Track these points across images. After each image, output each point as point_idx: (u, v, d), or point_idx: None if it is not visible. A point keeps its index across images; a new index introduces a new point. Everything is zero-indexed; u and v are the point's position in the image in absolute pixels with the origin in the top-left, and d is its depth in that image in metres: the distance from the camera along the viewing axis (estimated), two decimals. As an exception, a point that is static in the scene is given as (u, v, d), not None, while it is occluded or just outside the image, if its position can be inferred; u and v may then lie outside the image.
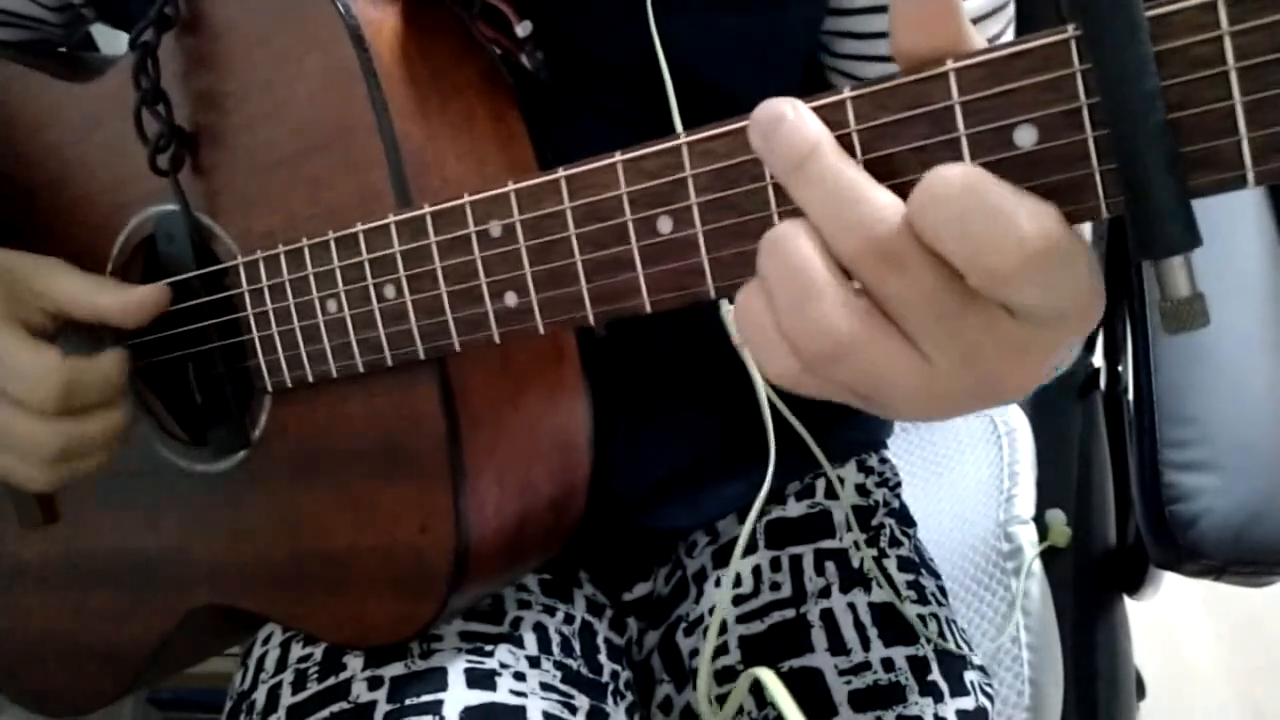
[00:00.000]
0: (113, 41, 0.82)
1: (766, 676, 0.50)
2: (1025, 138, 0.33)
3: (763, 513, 0.73)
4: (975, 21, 0.58)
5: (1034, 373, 0.37)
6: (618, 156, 0.40)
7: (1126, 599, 0.90)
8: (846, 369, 0.35)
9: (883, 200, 0.34)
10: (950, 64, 0.33)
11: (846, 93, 0.35)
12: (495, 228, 0.44)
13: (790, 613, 0.66)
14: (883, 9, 0.57)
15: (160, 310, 0.58)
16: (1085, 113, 0.32)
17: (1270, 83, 0.30)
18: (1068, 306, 0.34)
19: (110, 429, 0.58)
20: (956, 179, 0.32)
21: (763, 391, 0.61)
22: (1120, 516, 0.94)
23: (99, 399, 0.57)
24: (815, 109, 0.36)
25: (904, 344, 0.35)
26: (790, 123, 0.35)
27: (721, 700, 0.62)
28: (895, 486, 0.78)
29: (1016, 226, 0.32)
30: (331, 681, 0.59)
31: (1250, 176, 0.30)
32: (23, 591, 0.73)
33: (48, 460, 0.56)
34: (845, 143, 0.35)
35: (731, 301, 0.38)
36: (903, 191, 0.35)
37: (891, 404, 0.37)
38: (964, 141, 0.34)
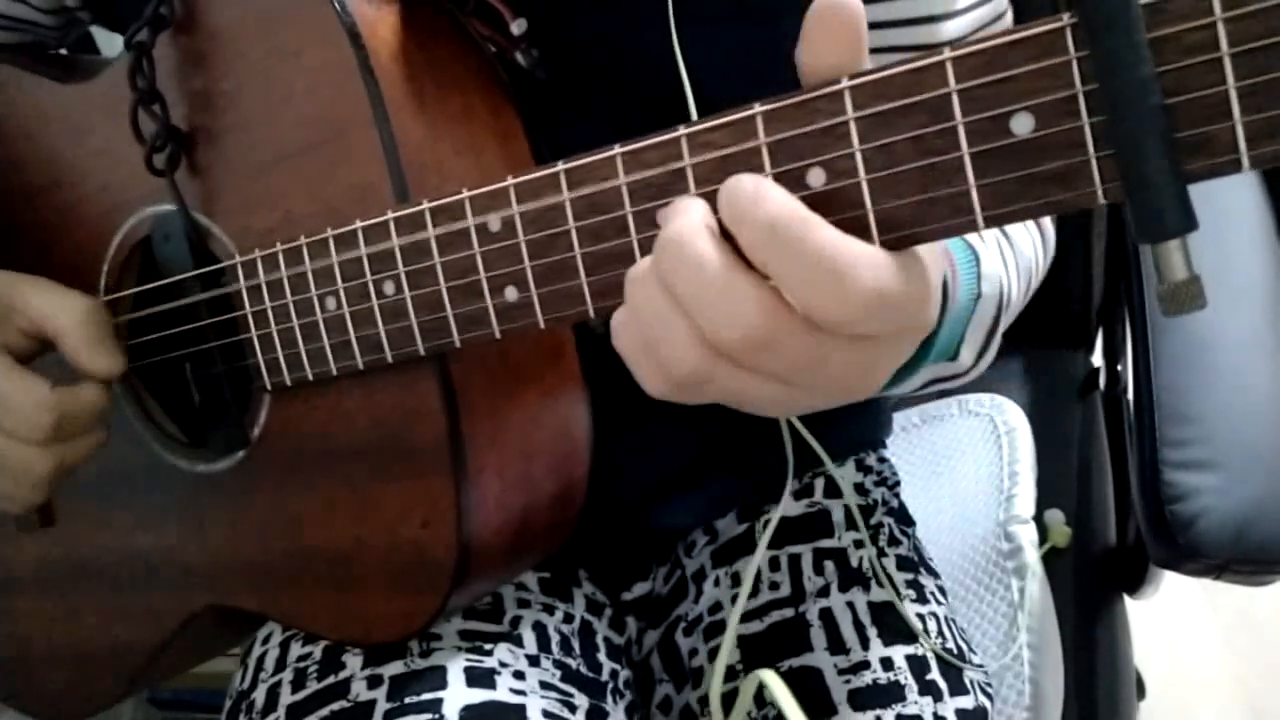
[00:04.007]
0: (111, 43, 0.82)
1: (771, 680, 0.50)
2: (1022, 125, 0.33)
3: (761, 512, 0.73)
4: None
5: (883, 373, 0.40)
6: (617, 149, 0.40)
7: (1126, 599, 0.89)
8: (713, 391, 0.39)
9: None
10: (948, 52, 0.34)
11: (844, 83, 0.36)
12: (494, 222, 0.44)
13: (789, 612, 0.66)
14: None
15: (112, 376, 0.58)
16: (1082, 100, 0.32)
17: (1264, 68, 0.30)
18: (906, 324, 0.37)
19: (92, 448, 0.59)
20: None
21: None
22: (1120, 516, 0.94)
23: (87, 425, 0.58)
24: (814, 99, 0.36)
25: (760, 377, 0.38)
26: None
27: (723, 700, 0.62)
28: (894, 485, 0.78)
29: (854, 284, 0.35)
30: (331, 680, 0.59)
31: (1245, 161, 0.31)
32: (21, 596, 0.72)
33: (40, 482, 0.58)
34: (841, 131, 0.36)
35: None
36: (900, 181, 0.35)
37: (756, 410, 0.41)
38: (961, 130, 0.34)
